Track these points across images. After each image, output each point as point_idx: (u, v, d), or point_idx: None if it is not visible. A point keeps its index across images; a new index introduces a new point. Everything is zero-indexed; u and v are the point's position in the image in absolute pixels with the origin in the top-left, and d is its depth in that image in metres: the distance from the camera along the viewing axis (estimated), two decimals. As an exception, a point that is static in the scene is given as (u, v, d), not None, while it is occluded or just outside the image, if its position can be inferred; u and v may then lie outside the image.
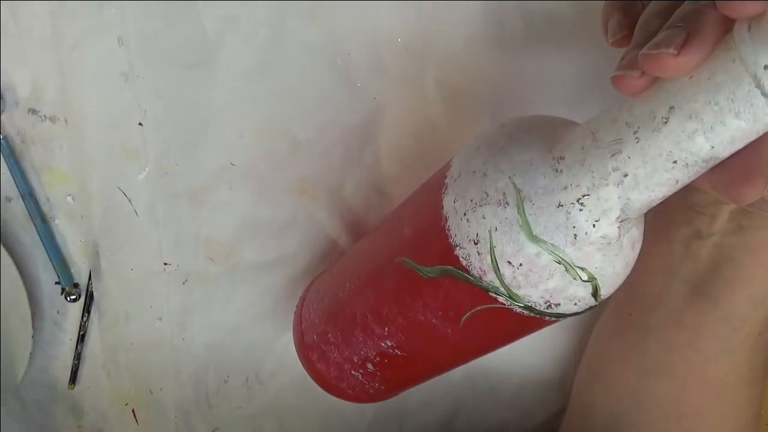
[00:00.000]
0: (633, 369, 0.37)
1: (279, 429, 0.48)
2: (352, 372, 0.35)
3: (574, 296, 0.26)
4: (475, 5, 0.37)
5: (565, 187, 0.24)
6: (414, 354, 0.32)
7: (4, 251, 0.41)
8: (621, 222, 0.24)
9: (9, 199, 0.42)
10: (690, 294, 0.34)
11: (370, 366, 0.34)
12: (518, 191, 0.24)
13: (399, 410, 0.48)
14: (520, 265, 0.25)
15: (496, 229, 0.25)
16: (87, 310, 0.44)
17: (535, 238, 0.24)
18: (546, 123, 0.27)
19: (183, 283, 0.43)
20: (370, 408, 0.48)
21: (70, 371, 0.45)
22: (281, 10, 0.37)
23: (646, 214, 0.26)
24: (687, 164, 0.22)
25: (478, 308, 0.27)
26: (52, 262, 0.42)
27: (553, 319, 0.27)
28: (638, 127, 0.22)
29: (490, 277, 0.25)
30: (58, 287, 0.43)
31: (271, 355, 0.46)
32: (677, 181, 0.22)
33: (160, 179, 0.40)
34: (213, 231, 0.41)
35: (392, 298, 0.31)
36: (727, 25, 0.20)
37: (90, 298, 0.44)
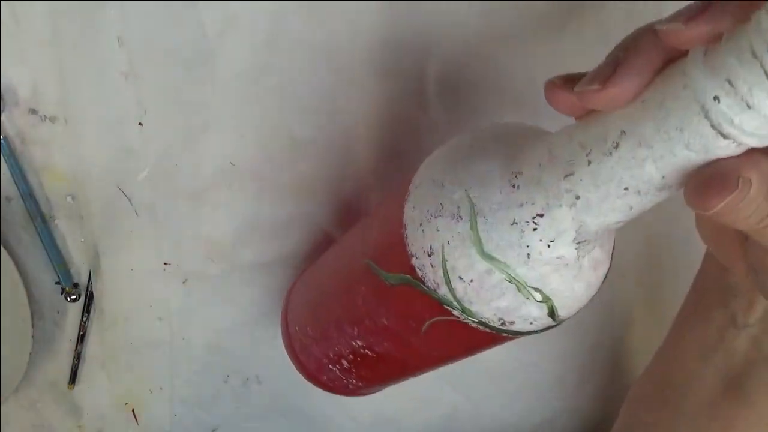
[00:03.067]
0: None
1: (279, 429, 0.48)
2: (330, 366, 0.35)
3: (529, 316, 0.25)
4: (476, 4, 0.37)
5: (521, 205, 0.23)
6: (384, 355, 0.32)
7: (4, 251, 0.41)
8: (579, 243, 0.23)
9: (9, 199, 0.42)
10: (723, 388, 0.32)
11: (345, 363, 0.34)
12: (472, 205, 0.23)
13: (398, 410, 0.48)
14: (471, 281, 0.24)
15: (449, 243, 0.24)
16: (87, 310, 0.44)
17: (486, 255, 0.23)
18: (515, 133, 0.26)
19: (183, 282, 0.43)
20: (368, 408, 0.48)
21: (70, 371, 0.45)
22: (281, 9, 0.37)
23: (690, 290, 0.25)
24: (639, 191, 0.20)
25: (436, 319, 0.27)
26: (52, 262, 0.42)
27: (510, 336, 0.26)
28: (590, 149, 0.21)
29: (444, 291, 0.25)
30: (58, 287, 0.43)
31: (271, 355, 0.46)
32: (631, 208, 0.21)
33: (160, 179, 0.40)
34: (213, 231, 0.41)
35: (360, 300, 0.31)
36: (673, 49, 0.19)
37: (90, 298, 0.44)
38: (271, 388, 0.47)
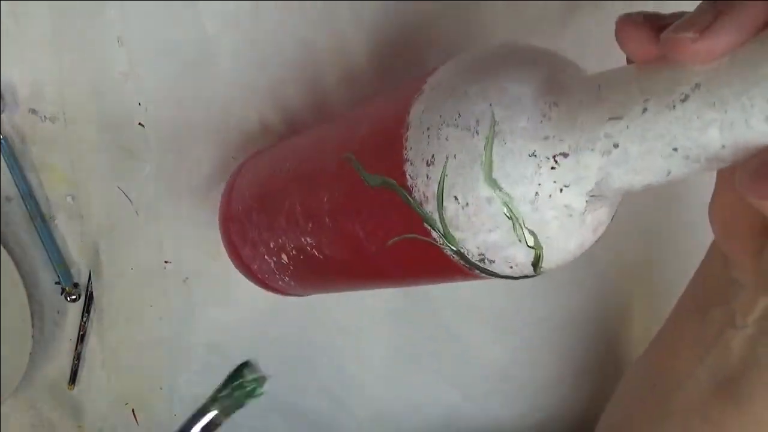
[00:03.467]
0: None
1: (279, 429, 0.48)
2: (266, 257, 0.32)
3: (512, 259, 0.23)
4: (476, 4, 0.37)
5: (546, 138, 0.21)
6: (331, 259, 0.29)
7: (4, 251, 0.41)
8: (591, 197, 0.21)
9: (9, 199, 0.42)
10: (716, 387, 0.31)
11: (284, 257, 0.31)
12: (494, 123, 0.21)
13: (398, 410, 0.48)
14: (467, 204, 0.22)
15: (455, 157, 0.22)
16: (87, 310, 0.44)
17: (492, 181, 0.21)
18: (550, 60, 0.23)
19: (183, 281, 0.43)
20: (367, 407, 0.48)
21: (70, 371, 0.45)
22: (281, 9, 0.37)
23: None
24: (688, 156, 0.18)
25: (408, 236, 0.24)
26: (52, 262, 0.42)
27: (483, 275, 0.24)
28: (651, 97, 0.18)
29: (431, 208, 0.23)
30: (58, 287, 0.43)
31: (271, 355, 0.45)
32: (669, 173, 0.19)
33: (161, 178, 0.40)
34: (213, 230, 0.41)
35: (325, 194, 0.28)
36: None
37: (90, 298, 0.43)
38: (271, 388, 0.47)
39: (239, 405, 0.19)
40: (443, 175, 0.22)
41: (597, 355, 0.47)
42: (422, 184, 0.23)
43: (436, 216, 0.23)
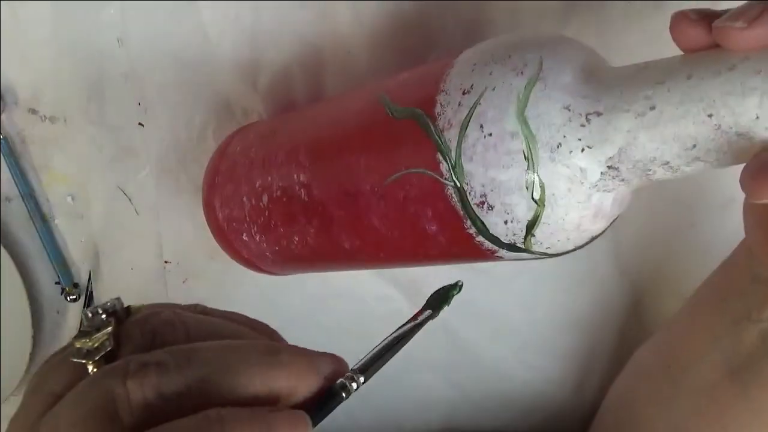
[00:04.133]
0: (663, 420, 0.36)
1: (279, 429, 0.48)
2: (244, 198, 0.33)
3: (512, 210, 0.23)
4: (476, 3, 0.37)
5: (584, 96, 0.22)
6: (317, 203, 0.29)
7: (4, 251, 0.41)
8: (608, 168, 0.22)
9: (9, 199, 0.42)
10: (727, 372, 0.33)
11: (265, 198, 0.32)
12: (540, 70, 0.22)
13: (398, 410, 0.48)
14: (490, 134, 0.22)
15: (494, 89, 0.23)
16: (87, 310, 0.44)
17: (522, 118, 0.22)
18: (591, 50, 0.24)
19: (183, 282, 0.43)
20: (367, 407, 0.48)
21: (70, 371, 0.45)
22: (282, 8, 0.37)
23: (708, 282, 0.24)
24: (719, 127, 0.19)
25: (414, 170, 0.25)
26: (52, 262, 0.42)
27: (471, 232, 0.24)
28: (697, 67, 0.20)
29: (451, 135, 0.23)
30: (58, 287, 0.43)
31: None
32: (694, 146, 0.20)
33: (160, 178, 0.40)
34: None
35: (339, 129, 0.29)
36: None
37: (90, 298, 0.44)
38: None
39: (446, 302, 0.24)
40: (476, 103, 0.23)
41: (597, 356, 0.47)
42: (450, 112, 0.24)
43: (453, 143, 0.23)
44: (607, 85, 0.22)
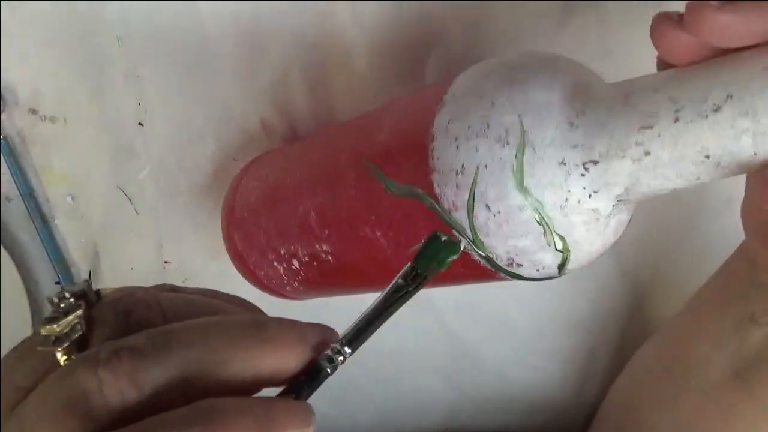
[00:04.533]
0: (666, 421, 0.36)
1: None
2: (275, 263, 0.32)
3: (540, 262, 0.23)
4: (476, 3, 0.37)
5: (576, 146, 0.21)
6: (346, 265, 0.29)
7: (4, 251, 0.41)
8: (618, 201, 0.22)
9: (9, 199, 0.42)
10: (731, 374, 0.33)
11: (296, 263, 0.31)
12: (524, 133, 0.22)
13: (398, 410, 0.48)
14: (498, 212, 0.22)
15: (486, 167, 0.22)
16: (87, 310, 0.44)
17: (523, 189, 0.22)
18: (574, 68, 0.23)
19: (183, 281, 0.43)
20: (367, 407, 0.48)
21: (70, 371, 0.45)
22: (282, 8, 0.37)
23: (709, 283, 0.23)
24: (719, 164, 0.19)
25: None
26: (52, 262, 0.42)
27: (507, 278, 0.25)
28: (682, 106, 0.19)
29: (460, 216, 0.23)
30: (58, 287, 0.43)
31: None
32: (698, 178, 0.20)
33: (161, 178, 0.40)
34: (213, 230, 0.41)
35: (345, 202, 0.28)
36: None
37: (90, 298, 0.44)
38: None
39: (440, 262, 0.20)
40: (474, 184, 0.22)
41: (598, 356, 0.47)
42: (451, 193, 0.23)
43: (465, 224, 0.23)
44: (597, 127, 0.21)
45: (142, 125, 0.39)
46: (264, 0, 0.36)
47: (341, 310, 0.44)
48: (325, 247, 0.29)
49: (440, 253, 0.20)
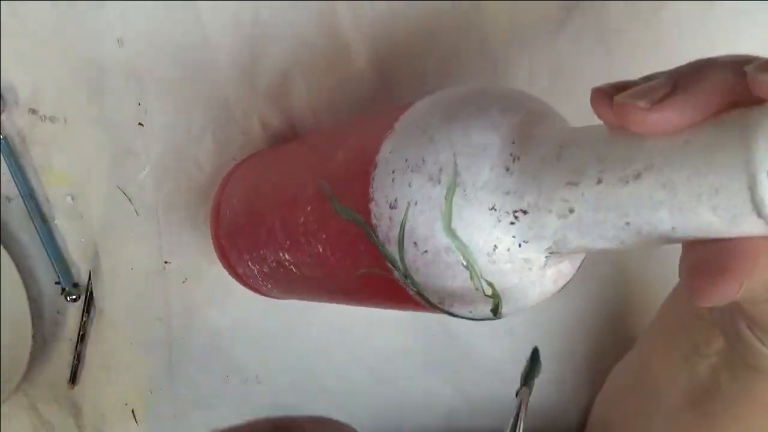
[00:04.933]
0: None
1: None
2: (250, 264, 0.33)
3: (472, 305, 0.23)
4: (476, 3, 0.37)
5: (507, 193, 0.20)
6: (308, 278, 0.30)
7: (4, 251, 0.41)
8: (551, 253, 0.21)
9: (9, 199, 0.42)
10: (688, 403, 0.33)
11: (266, 267, 0.32)
12: (456, 174, 0.21)
13: (398, 411, 0.48)
14: (426, 251, 0.22)
15: (416, 204, 0.22)
16: (87, 310, 0.44)
17: (451, 232, 0.21)
18: (526, 107, 0.22)
19: (183, 282, 0.43)
20: (367, 407, 0.48)
21: (70, 371, 0.45)
22: (282, 8, 0.37)
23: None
24: (640, 232, 0.18)
25: (374, 270, 0.24)
26: (52, 262, 0.42)
27: (447, 313, 0.24)
28: (606, 168, 0.18)
29: (392, 249, 0.23)
30: (58, 287, 0.43)
31: (271, 355, 0.45)
32: (623, 243, 0.19)
33: (161, 178, 0.40)
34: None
35: (301, 216, 0.28)
36: (741, 93, 0.16)
37: (90, 298, 0.43)
38: (271, 388, 0.47)
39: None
40: (404, 221, 0.22)
41: (597, 357, 0.47)
42: (385, 226, 0.23)
43: (397, 258, 0.23)
44: (528, 177, 0.20)
45: (142, 125, 0.39)
46: (264, 0, 0.36)
47: (329, 310, 0.44)
48: (287, 257, 0.29)
49: (538, 366, 0.21)
